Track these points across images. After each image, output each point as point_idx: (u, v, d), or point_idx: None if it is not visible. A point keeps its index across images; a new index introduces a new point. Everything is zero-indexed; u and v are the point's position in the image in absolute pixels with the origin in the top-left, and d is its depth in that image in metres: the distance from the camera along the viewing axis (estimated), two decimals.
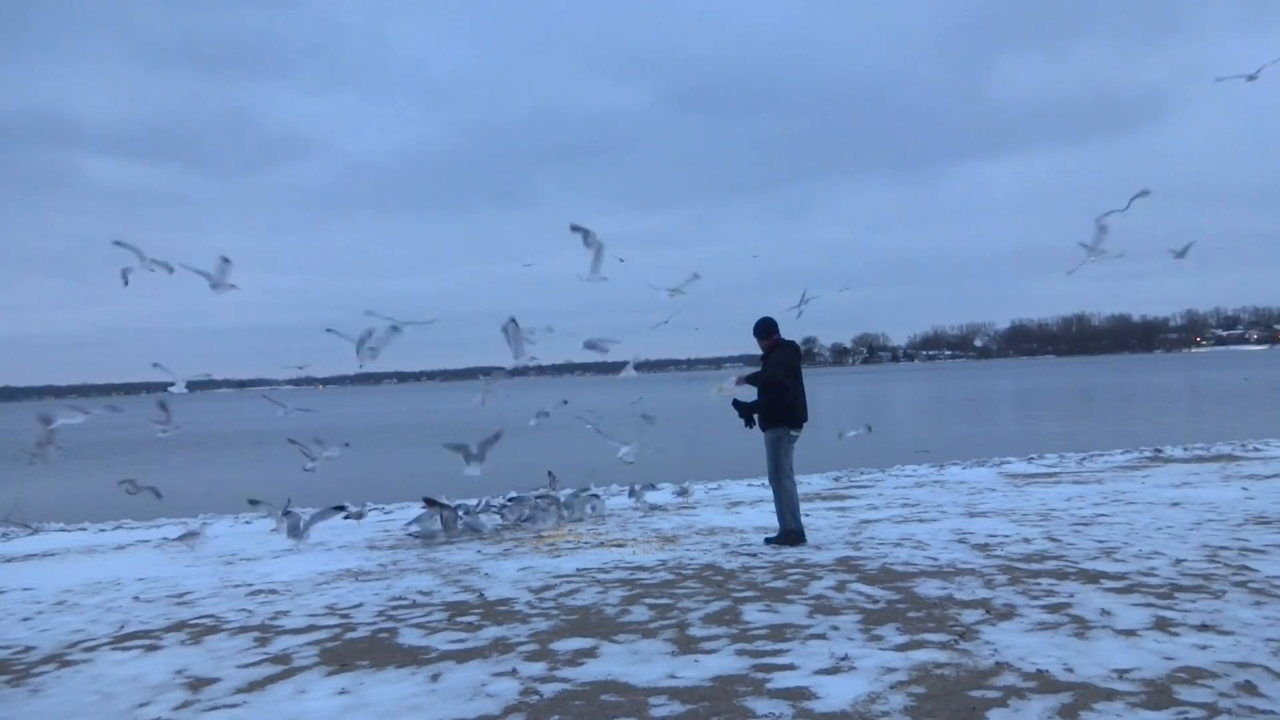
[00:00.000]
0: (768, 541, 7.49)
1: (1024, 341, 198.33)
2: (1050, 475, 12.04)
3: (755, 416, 7.59)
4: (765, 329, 7.82)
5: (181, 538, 9.03)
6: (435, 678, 4.33)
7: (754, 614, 5.20)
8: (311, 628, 5.42)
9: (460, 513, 8.95)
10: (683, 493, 11.09)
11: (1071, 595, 5.32)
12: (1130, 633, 4.54)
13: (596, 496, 9.87)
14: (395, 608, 5.82)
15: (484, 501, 9.72)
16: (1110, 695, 3.70)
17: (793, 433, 7.50)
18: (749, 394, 7.70)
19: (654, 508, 10.16)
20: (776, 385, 7.43)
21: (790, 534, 7.41)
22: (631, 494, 10.65)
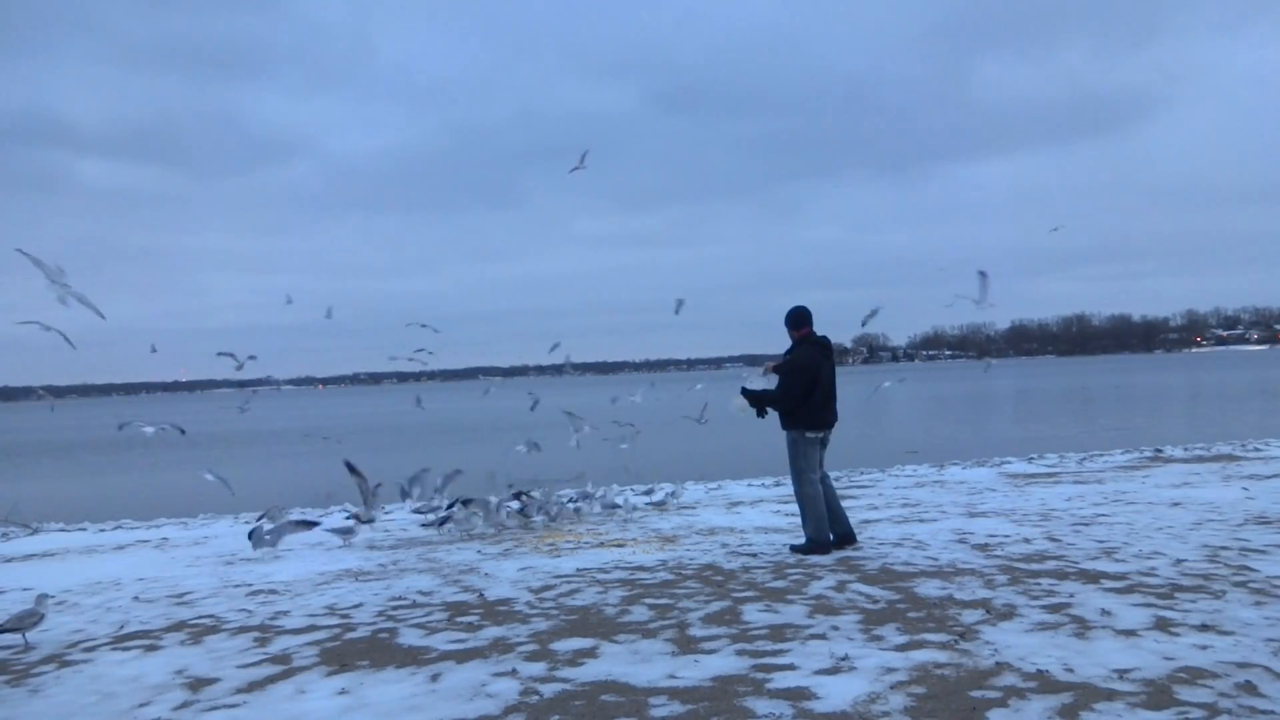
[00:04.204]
0: (794, 549, 7.11)
1: (1024, 341, 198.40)
2: (1050, 475, 12.04)
3: (767, 407, 7.19)
4: (795, 319, 7.30)
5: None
6: (435, 678, 4.33)
7: (754, 614, 5.20)
8: (311, 628, 5.42)
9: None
10: (670, 495, 10.78)
11: (1071, 595, 5.32)
12: (1130, 633, 4.54)
13: (588, 496, 9.88)
14: (395, 608, 5.82)
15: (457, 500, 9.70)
16: (1110, 695, 3.70)
17: (809, 434, 7.08)
18: (769, 382, 7.25)
19: (613, 507, 9.98)
20: (784, 385, 7.07)
21: (811, 544, 7.02)
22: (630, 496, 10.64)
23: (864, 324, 10.36)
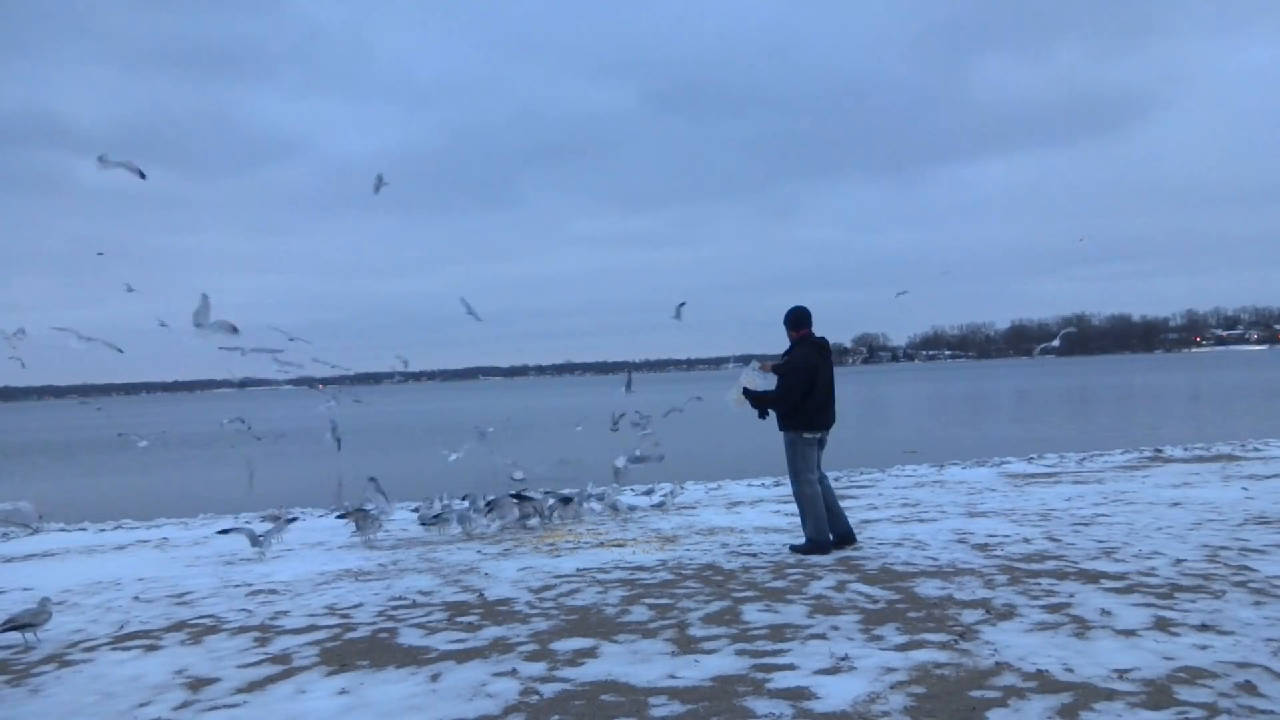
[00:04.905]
0: (793, 549, 7.10)
1: (1024, 341, 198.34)
2: (1050, 475, 12.04)
3: (768, 408, 7.18)
4: (795, 320, 7.26)
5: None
6: (435, 678, 4.33)
7: (754, 614, 5.20)
8: (311, 628, 5.42)
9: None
10: (669, 494, 10.79)
11: (1071, 595, 5.32)
12: (1130, 633, 4.54)
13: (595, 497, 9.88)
14: (395, 608, 5.82)
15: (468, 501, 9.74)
16: (1110, 695, 3.70)
17: (806, 435, 7.07)
18: (769, 382, 7.19)
19: (616, 508, 9.97)
20: (783, 387, 7.06)
21: (811, 544, 7.02)
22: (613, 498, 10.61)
23: (677, 315, 10.36)
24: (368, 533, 8.73)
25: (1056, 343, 14.09)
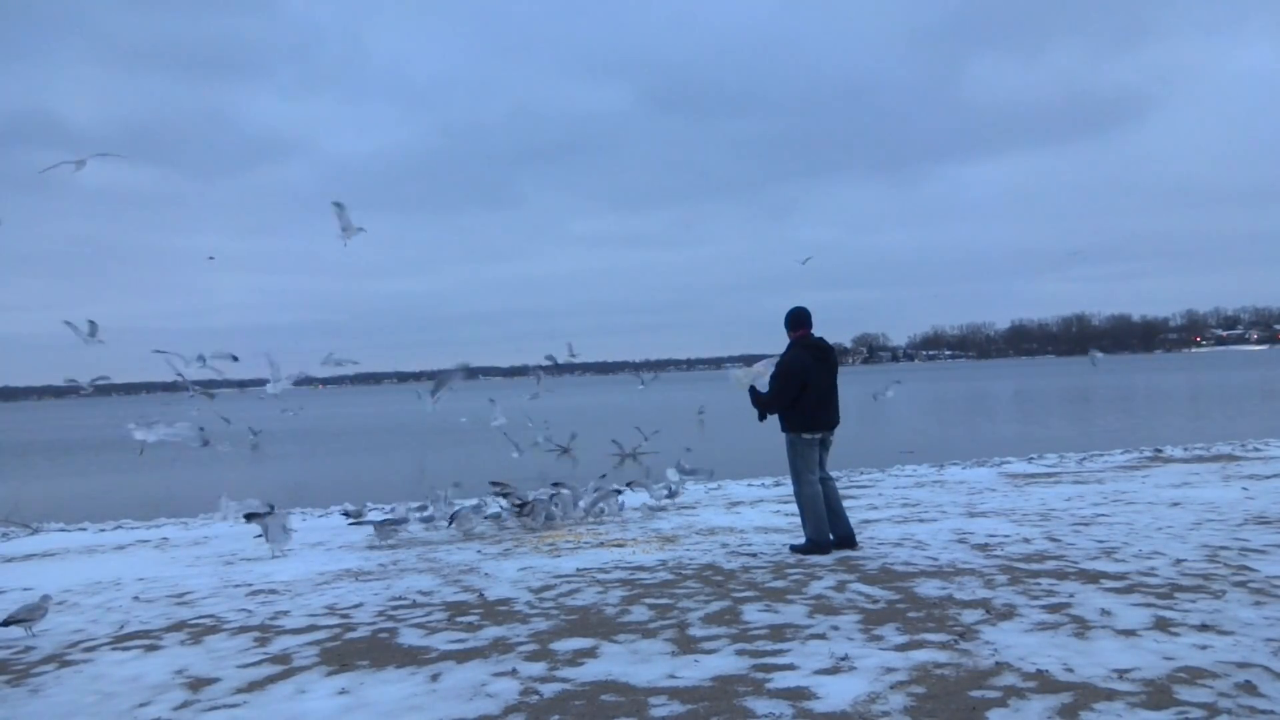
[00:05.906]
0: (793, 549, 7.10)
1: (1024, 341, 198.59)
2: (1050, 475, 12.04)
3: (766, 411, 7.19)
4: (793, 320, 7.24)
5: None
6: (435, 678, 4.33)
7: (754, 614, 5.20)
8: (311, 628, 5.42)
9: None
10: (669, 495, 10.85)
11: (1071, 595, 5.32)
12: (1130, 633, 4.54)
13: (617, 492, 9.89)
14: (395, 608, 5.83)
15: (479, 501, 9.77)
16: (1110, 695, 3.70)
17: (805, 436, 7.06)
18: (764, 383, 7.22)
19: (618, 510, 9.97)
20: (771, 389, 7.07)
21: (811, 544, 7.01)
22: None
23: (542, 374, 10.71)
24: (387, 539, 8.69)
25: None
